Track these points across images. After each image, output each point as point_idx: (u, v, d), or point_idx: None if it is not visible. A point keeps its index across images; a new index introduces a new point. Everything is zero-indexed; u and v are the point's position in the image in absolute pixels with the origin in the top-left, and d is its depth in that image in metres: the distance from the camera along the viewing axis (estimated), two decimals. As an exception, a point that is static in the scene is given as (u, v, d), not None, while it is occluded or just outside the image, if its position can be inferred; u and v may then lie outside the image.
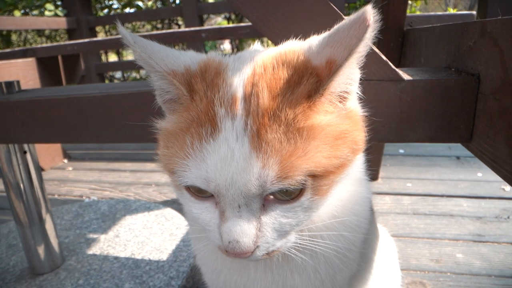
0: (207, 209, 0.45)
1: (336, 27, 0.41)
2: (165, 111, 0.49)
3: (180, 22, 5.39)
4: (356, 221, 0.55)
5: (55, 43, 2.96)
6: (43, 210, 1.14)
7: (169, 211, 1.55)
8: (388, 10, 1.15)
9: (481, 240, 1.36)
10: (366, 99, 0.52)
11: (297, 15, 0.61)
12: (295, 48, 0.45)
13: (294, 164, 0.39)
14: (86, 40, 2.56)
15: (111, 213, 1.56)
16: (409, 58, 1.12)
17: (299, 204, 0.42)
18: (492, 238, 1.36)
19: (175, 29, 5.09)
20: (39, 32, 5.41)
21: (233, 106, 0.41)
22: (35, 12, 4.12)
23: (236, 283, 0.58)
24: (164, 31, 2.70)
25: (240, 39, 5.08)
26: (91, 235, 1.39)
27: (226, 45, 7.07)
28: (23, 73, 1.76)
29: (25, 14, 4.27)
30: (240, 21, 5.06)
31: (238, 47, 5.53)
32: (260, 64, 0.44)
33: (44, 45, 3.77)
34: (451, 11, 3.46)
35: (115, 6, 5.18)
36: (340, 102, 0.44)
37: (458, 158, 2.16)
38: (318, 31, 0.47)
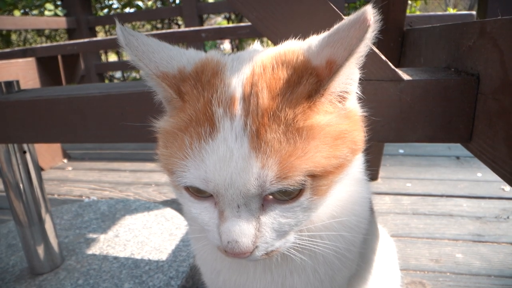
0: (206, 209, 0.45)
1: (335, 27, 0.41)
2: (166, 109, 0.50)
3: (180, 22, 5.38)
4: (355, 221, 0.55)
5: (55, 43, 2.96)
6: (43, 210, 1.14)
7: (169, 211, 1.55)
8: (388, 10, 1.15)
9: (481, 240, 1.36)
10: (366, 99, 0.52)
11: (296, 15, 0.61)
12: (294, 48, 0.45)
13: (293, 164, 0.39)
14: (86, 40, 2.56)
15: (110, 213, 1.56)
16: (409, 58, 1.12)
17: (298, 204, 0.42)
18: (491, 238, 1.36)
19: (175, 29, 5.09)
20: (39, 32, 5.41)
21: (232, 106, 0.41)
22: (35, 12, 4.11)
23: (235, 283, 0.58)
24: (164, 31, 2.70)
25: (240, 39, 5.08)
26: (91, 235, 1.39)
27: (226, 45, 7.07)
28: (23, 72, 1.76)
29: (25, 13, 4.27)
30: (240, 21, 5.06)
31: (238, 47, 5.53)
32: (259, 64, 0.44)
33: (44, 44, 3.77)
34: (451, 11, 3.46)
35: (115, 6, 5.18)
36: (339, 102, 0.44)
37: (457, 158, 2.16)
38: (317, 31, 0.47)
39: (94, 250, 1.29)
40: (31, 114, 0.81)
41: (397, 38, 1.18)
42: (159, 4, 5.39)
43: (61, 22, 3.46)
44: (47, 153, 2.42)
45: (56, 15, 3.78)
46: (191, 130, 0.41)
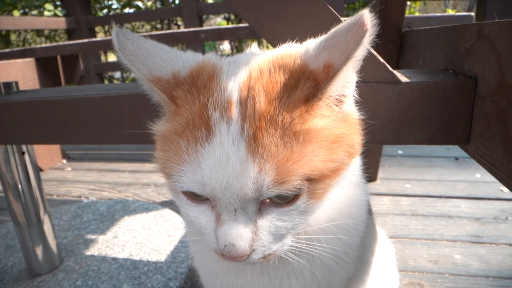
0: (204, 212, 0.45)
1: (333, 30, 0.41)
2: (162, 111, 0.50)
3: (179, 23, 5.38)
4: (353, 224, 0.55)
5: (54, 43, 2.96)
6: (41, 211, 1.14)
7: (168, 212, 1.55)
8: (386, 11, 1.15)
9: (479, 241, 1.36)
10: (364, 101, 0.52)
11: (293, 15, 0.61)
12: (291, 51, 0.45)
13: (290, 169, 0.39)
14: (85, 40, 2.56)
15: (109, 214, 1.56)
16: (408, 60, 1.12)
17: (295, 208, 0.42)
18: (490, 239, 1.36)
19: (174, 29, 5.09)
20: (38, 32, 5.40)
21: (228, 110, 0.40)
22: (34, 12, 4.11)
23: (233, 286, 0.58)
24: (163, 32, 2.70)
25: (239, 39, 5.08)
26: (90, 236, 1.39)
27: (226, 46, 7.07)
28: (22, 73, 1.76)
29: (24, 14, 4.26)
30: (240, 21, 5.06)
31: (237, 47, 5.52)
32: (256, 68, 0.44)
33: (43, 45, 3.77)
34: (450, 12, 3.46)
35: (114, 6, 5.18)
36: (336, 105, 0.44)
37: (456, 159, 2.16)
38: (314, 32, 0.47)
39: (92, 251, 1.29)
40: (30, 115, 0.81)
41: (395, 40, 1.18)
42: (158, 5, 5.39)
43: (61, 23, 3.46)
44: (46, 153, 2.42)
45: (55, 15, 3.78)
46: (187, 134, 0.41)
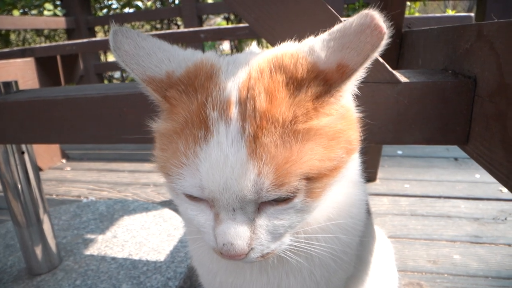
0: (202, 211, 0.45)
1: (339, 29, 0.41)
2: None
3: (179, 23, 5.38)
4: (351, 224, 0.55)
5: (54, 43, 2.95)
6: (41, 211, 1.14)
7: (167, 212, 1.55)
8: (386, 11, 1.15)
9: (478, 241, 1.36)
10: (363, 101, 0.52)
11: (292, 15, 0.61)
12: (292, 50, 0.45)
13: (289, 170, 0.39)
14: (85, 40, 2.56)
15: (109, 214, 1.56)
16: (407, 60, 1.13)
17: (292, 206, 0.42)
18: (489, 239, 1.37)
19: (174, 29, 5.09)
20: (38, 32, 5.40)
21: (227, 109, 0.40)
22: (34, 11, 4.11)
23: (232, 285, 0.58)
24: (163, 32, 2.70)
25: (239, 39, 5.07)
26: (89, 236, 1.39)
27: (225, 46, 7.07)
28: (22, 72, 1.75)
29: (24, 13, 4.26)
30: (239, 21, 5.05)
31: (237, 47, 5.52)
32: (255, 67, 0.44)
33: (43, 44, 3.77)
34: (450, 12, 3.47)
35: (114, 6, 5.17)
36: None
37: (456, 159, 2.16)
38: (314, 32, 0.47)
39: (92, 250, 1.29)
40: (29, 115, 0.81)
41: (395, 40, 1.18)
42: (158, 5, 5.38)
43: (60, 22, 3.45)
44: (46, 153, 2.42)
45: (55, 15, 3.78)
46: (186, 133, 0.41)
